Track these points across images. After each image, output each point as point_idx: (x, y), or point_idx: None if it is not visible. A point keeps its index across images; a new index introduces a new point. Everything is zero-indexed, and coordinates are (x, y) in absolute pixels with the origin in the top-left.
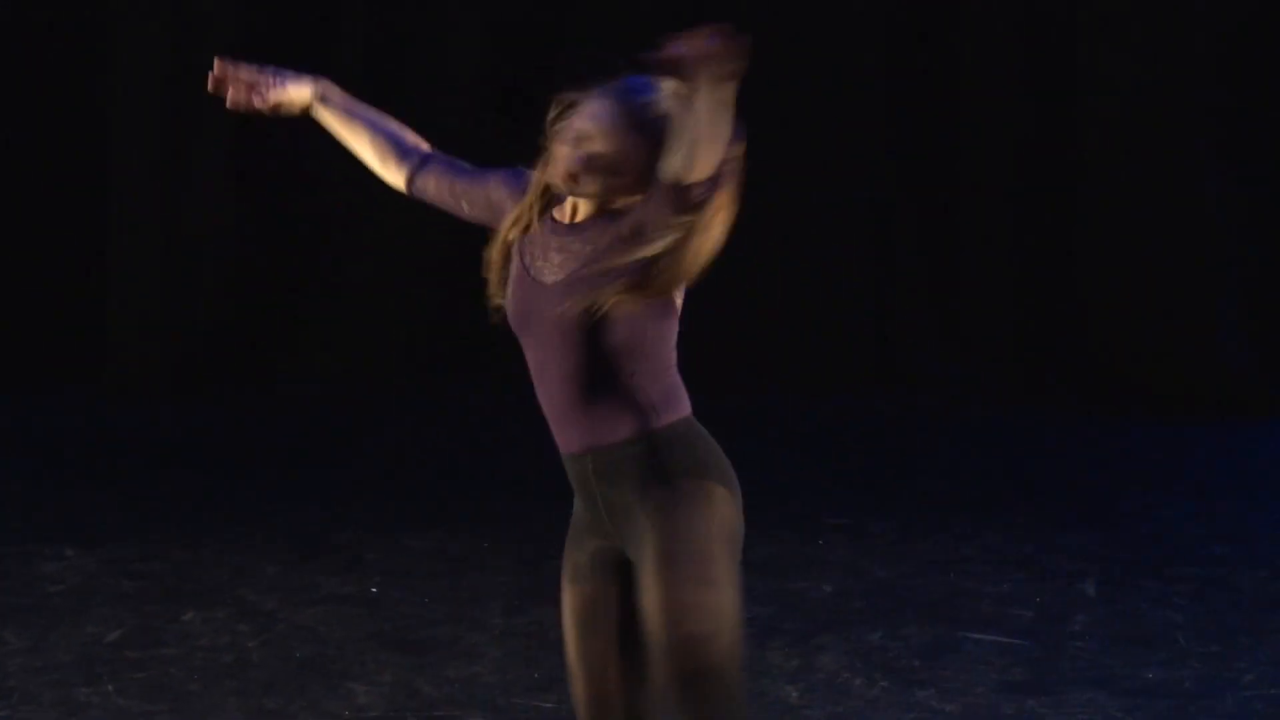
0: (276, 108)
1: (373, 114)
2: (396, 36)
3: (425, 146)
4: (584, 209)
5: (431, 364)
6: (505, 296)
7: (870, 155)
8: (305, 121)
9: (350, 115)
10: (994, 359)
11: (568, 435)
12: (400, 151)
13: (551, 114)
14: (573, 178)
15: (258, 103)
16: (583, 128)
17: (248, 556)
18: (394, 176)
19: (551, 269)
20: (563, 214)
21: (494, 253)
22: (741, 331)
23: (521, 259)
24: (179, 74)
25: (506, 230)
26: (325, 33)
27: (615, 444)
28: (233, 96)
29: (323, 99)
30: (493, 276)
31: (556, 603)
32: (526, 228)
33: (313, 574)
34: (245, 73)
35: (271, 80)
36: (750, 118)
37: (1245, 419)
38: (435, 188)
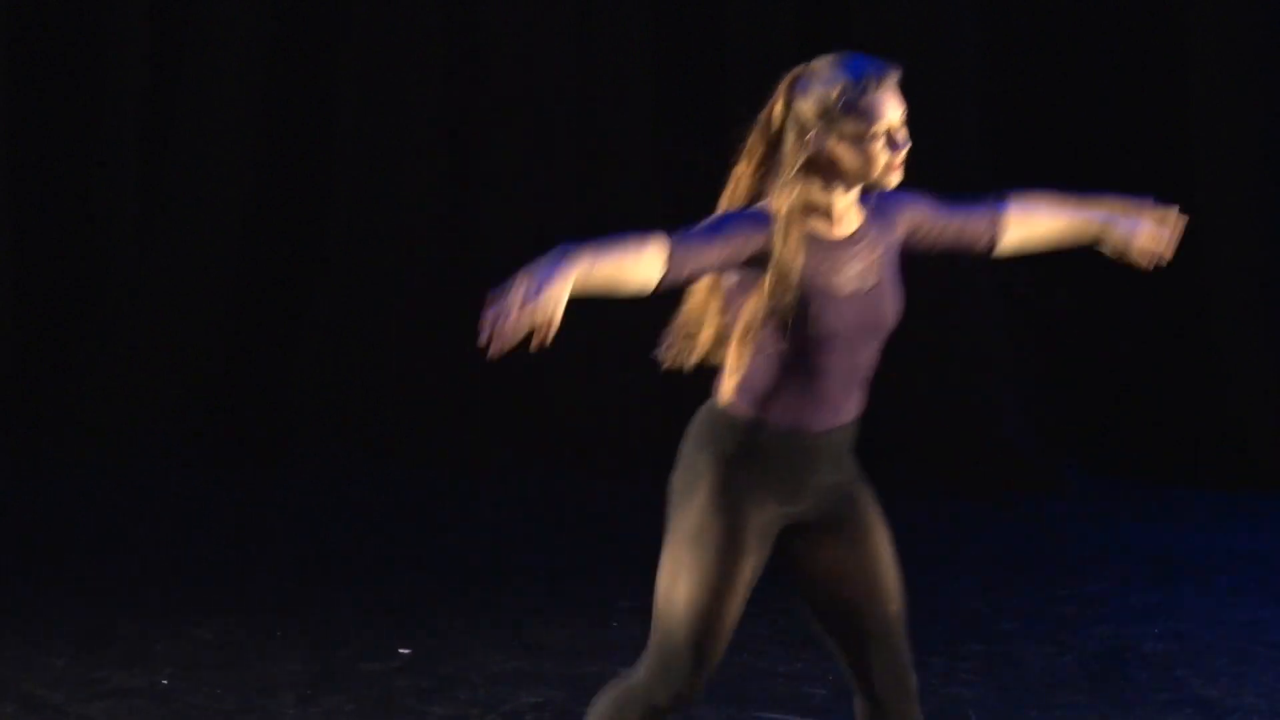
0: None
1: (609, 254)
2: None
3: (657, 245)
4: (852, 216)
5: (209, 445)
6: (791, 312)
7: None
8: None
9: (591, 278)
10: None
11: (844, 409)
12: (644, 267)
13: (810, 114)
14: (899, 170)
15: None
16: (894, 119)
17: (32, 650)
18: (647, 281)
19: (853, 279)
20: (827, 229)
21: (788, 281)
22: (549, 416)
23: (814, 279)
24: None
25: (790, 265)
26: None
27: (857, 418)
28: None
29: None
30: (787, 298)
31: (364, 676)
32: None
33: (100, 666)
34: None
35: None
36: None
37: (1027, 495)
38: (689, 275)
